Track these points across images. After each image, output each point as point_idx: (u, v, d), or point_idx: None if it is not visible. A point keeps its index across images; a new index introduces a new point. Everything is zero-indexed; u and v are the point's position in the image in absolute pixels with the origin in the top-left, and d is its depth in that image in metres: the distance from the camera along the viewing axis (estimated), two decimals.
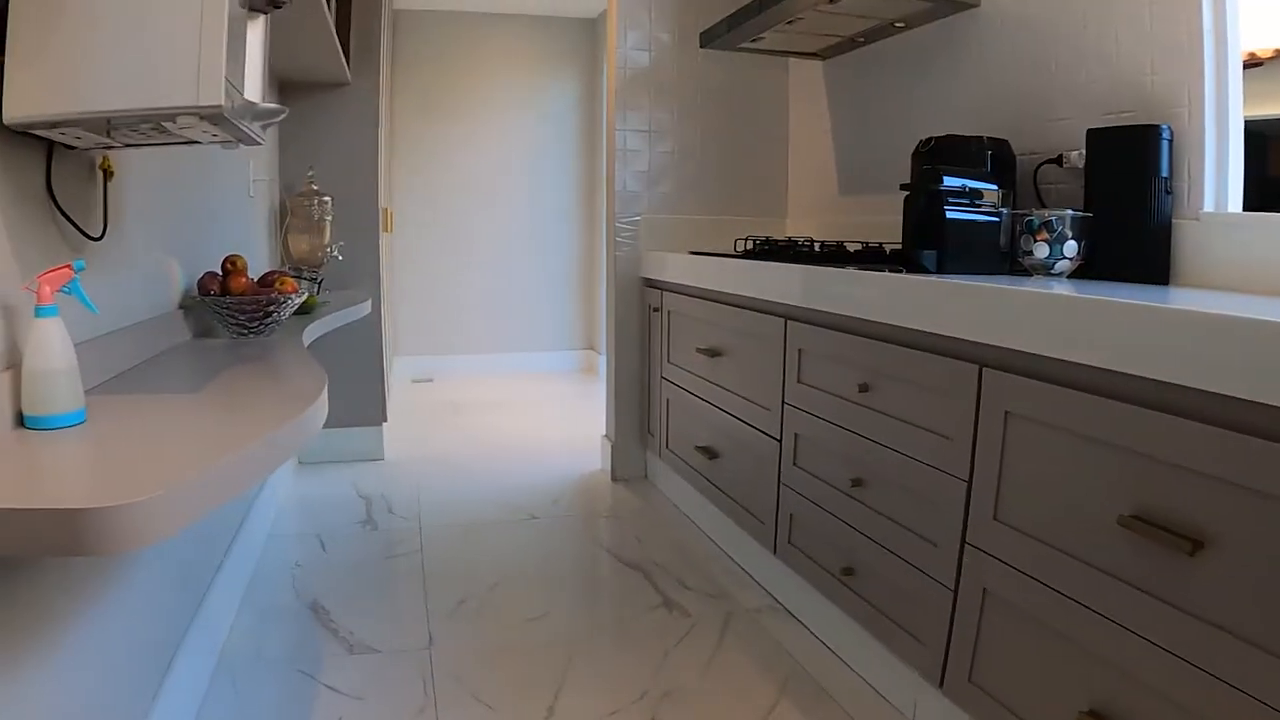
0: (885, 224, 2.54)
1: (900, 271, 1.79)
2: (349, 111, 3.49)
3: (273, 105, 1.32)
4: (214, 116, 1.10)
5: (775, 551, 2.25)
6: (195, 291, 2.01)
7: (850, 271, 1.87)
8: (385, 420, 3.71)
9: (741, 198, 3.37)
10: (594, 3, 5.08)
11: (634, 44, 3.21)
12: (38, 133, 1.16)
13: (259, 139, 1.35)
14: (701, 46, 2.85)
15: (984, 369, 1.45)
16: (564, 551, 2.68)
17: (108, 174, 1.45)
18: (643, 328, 3.31)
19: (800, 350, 2.11)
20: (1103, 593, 1.21)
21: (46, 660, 1.27)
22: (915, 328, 1.64)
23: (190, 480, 0.90)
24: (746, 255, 2.59)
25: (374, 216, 3.58)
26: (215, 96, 1.08)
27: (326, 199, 3.32)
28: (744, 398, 2.43)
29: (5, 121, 1.10)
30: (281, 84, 3.39)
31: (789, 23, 2.46)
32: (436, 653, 2.05)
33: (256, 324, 1.99)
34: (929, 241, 1.85)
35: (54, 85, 1.09)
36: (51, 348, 1.13)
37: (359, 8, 3.43)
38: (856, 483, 1.85)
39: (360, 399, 3.64)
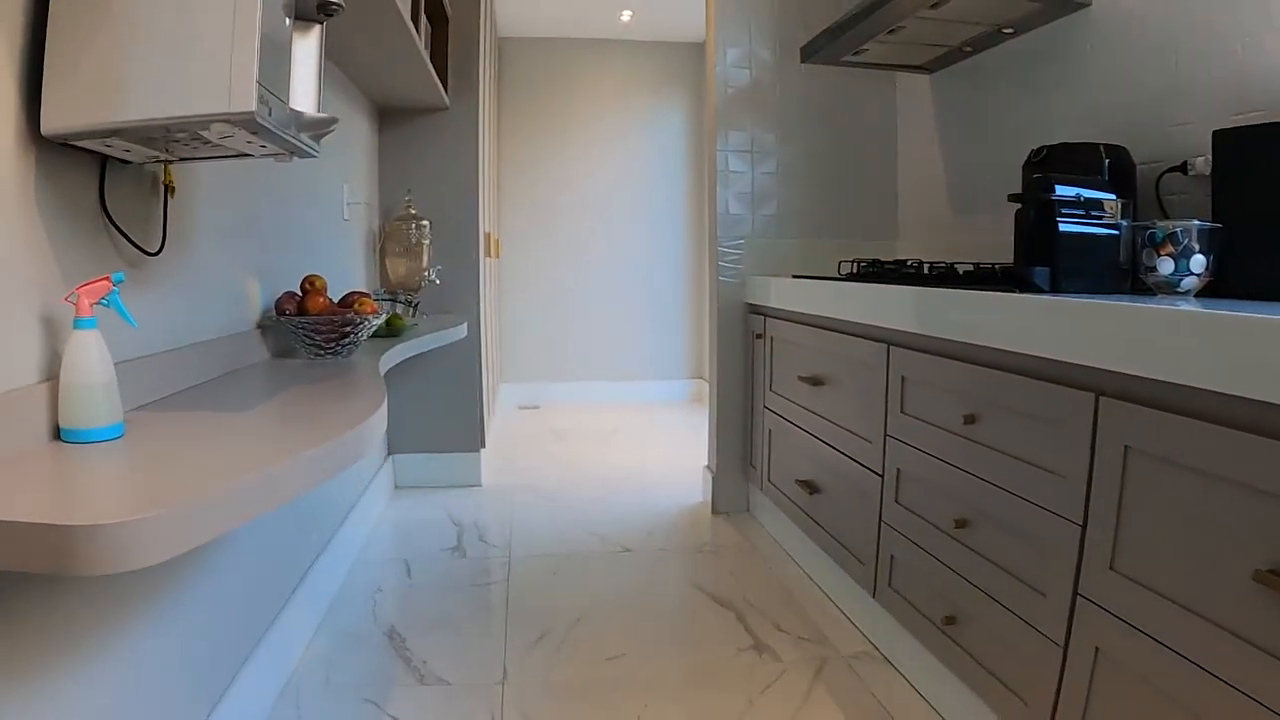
0: (1001, 244, 2.35)
1: (1009, 291, 1.62)
2: (448, 136, 3.51)
3: (322, 115, 1.28)
4: (247, 123, 1.05)
5: (874, 594, 2.07)
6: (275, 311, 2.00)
7: (952, 292, 1.71)
8: (483, 446, 3.68)
9: (850, 219, 3.21)
10: (700, 27, 5.03)
11: (734, 61, 3.11)
12: (83, 145, 1.14)
13: (311, 150, 1.31)
14: (803, 61, 2.72)
15: (1101, 398, 1.27)
16: (654, 587, 2.56)
17: (169, 190, 1.44)
18: (746, 355, 3.18)
19: (904, 378, 1.94)
20: (1233, 659, 1.02)
21: (89, 668, 1.25)
22: (1024, 352, 1.46)
23: (181, 506, 0.83)
24: (849, 278, 2.44)
25: (474, 241, 3.57)
26: (247, 103, 1.04)
27: (425, 223, 3.33)
28: (845, 429, 2.27)
29: (43, 133, 1.08)
30: (380, 109, 3.44)
31: (891, 32, 2.32)
32: (509, 688, 1.96)
33: (333, 345, 1.97)
34: (1041, 257, 1.67)
35: (89, 97, 1.07)
36: (89, 361, 1.11)
37: (456, 33, 3.46)
38: (960, 523, 1.67)
39: (459, 425, 3.62)
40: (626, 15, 5.06)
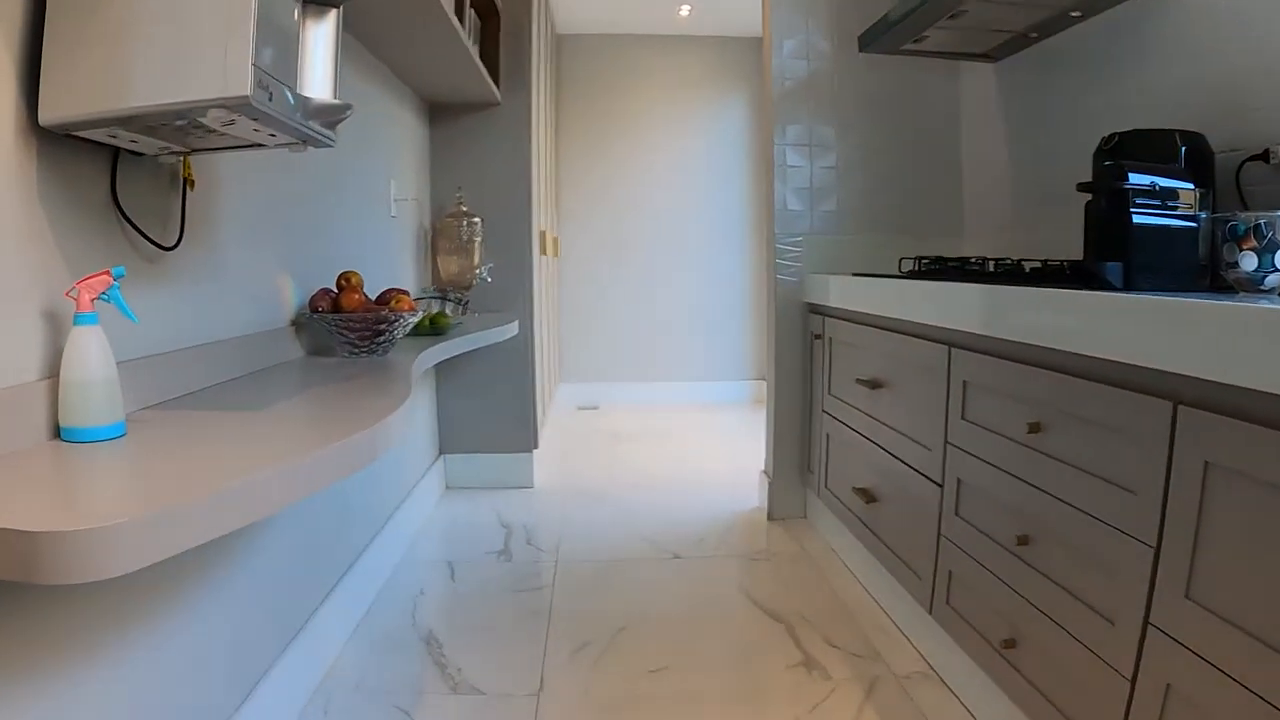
0: (1072, 240, 2.20)
1: (1078, 289, 1.49)
2: (500, 132, 3.46)
3: (334, 102, 1.22)
4: (243, 108, 1.00)
5: (931, 611, 1.95)
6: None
7: (1015, 290, 1.58)
8: (536, 447, 3.63)
9: (913, 215, 3.07)
10: (760, 20, 4.91)
11: (791, 53, 2.99)
12: (87, 135, 1.10)
13: (325, 139, 1.25)
14: (861, 50, 2.60)
15: (1179, 407, 1.15)
16: (702, 596, 2.47)
17: (188, 183, 1.40)
18: (805, 356, 3.06)
19: (965, 383, 1.82)
20: None
21: (113, 661, 1.23)
22: (1094, 355, 1.34)
23: (150, 514, 0.78)
24: (909, 276, 2.32)
25: (527, 238, 3.52)
26: (241, 87, 0.98)
27: (476, 220, 3.28)
28: (904, 435, 2.15)
29: (41, 124, 1.05)
30: (431, 104, 3.41)
31: (952, 17, 2.18)
32: (544, 700, 1.89)
33: (367, 343, 1.92)
34: (1113, 251, 1.54)
35: (87, 86, 1.04)
36: (88, 358, 1.07)
37: (507, 28, 3.41)
38: (1023, 540, 1.55)
39: (511, 426, 3.58)
40: (685, 10, 4.96)
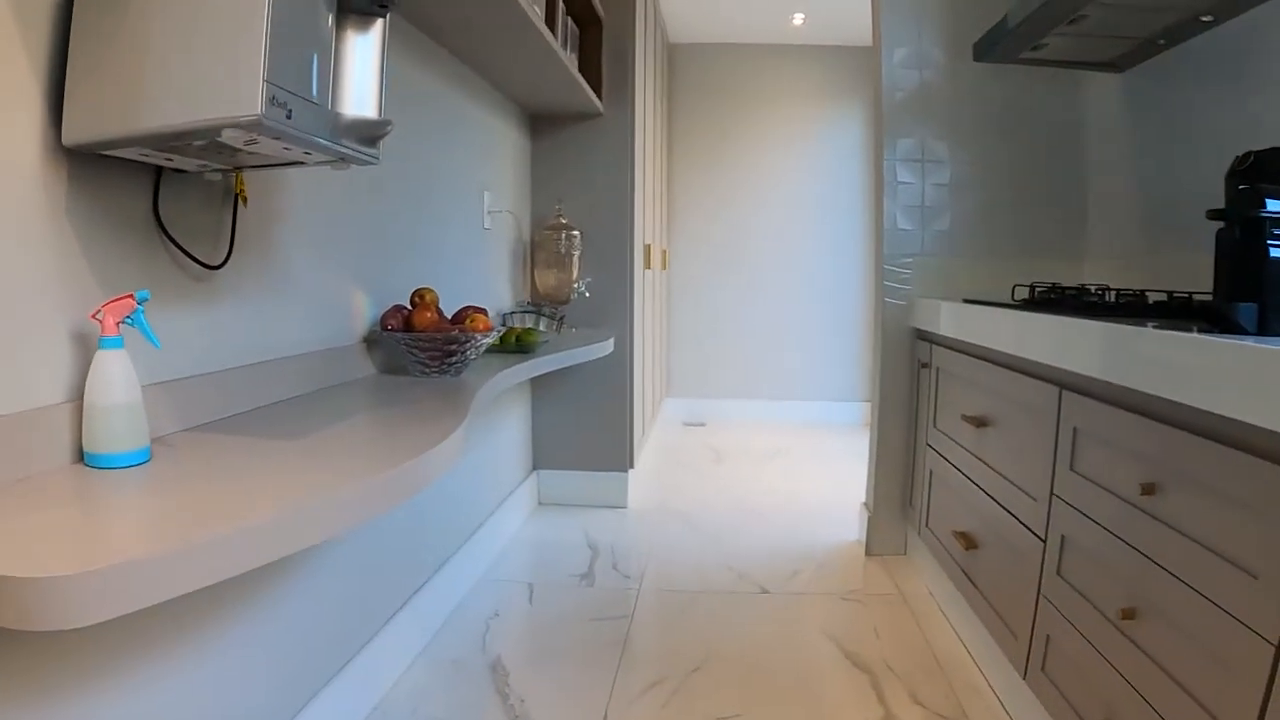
0: (1204, 268, 1.97)
1: (1204, 330, 1.30)
2: (602, 143, 3.41)
3: (371, 118, 1.17)
4: (255, 127, 0.94)
5: (1025, 675, 1.76)
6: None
7: (1127, 329, 1.40)
8: (631, 467, 3.55)
9: (1032, 237, 2.84)
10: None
11: (902, 62, 2.82)
12: (120, 154, 1.07)
13: (365, 157, 1.20)
14: (976, 60, 2.41)
15: None
16: (785, 637, 2.33)
17: (241, 200, 1.37)
18: (911, 385, 2.88)
19: (1075, 430, 1.63)
20: None
21: (156, 672, 1.23)
22: (1218, 412, 1.16)
23: (121, 564, 0.74)
24: (1022, 305, 2.13)
25: (627, 252, 3.45)
26: (252, 106, 0.93)
27: (575, 233, 3.23)
28: (1009, 481, 1.96)
29: (65, 144, 1.03)
30: (532, 115, 3.38)
31: (1071, 23, 1.99)
32: None
33: (437, 363, 1.88)
34: (1246, 289, 1.34)
35: (106, 106, 1.01)
36: (111, 382, 1.05)
37: (610, 36, 3.35)
38: (1128, 613, 1.37)
39: (606, 444, 3.51)
40: (799, 18, 4.81)
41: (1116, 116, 2.61)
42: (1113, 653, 1.41)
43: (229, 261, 1.38)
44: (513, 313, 3.02)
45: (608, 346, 2.97)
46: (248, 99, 0.94)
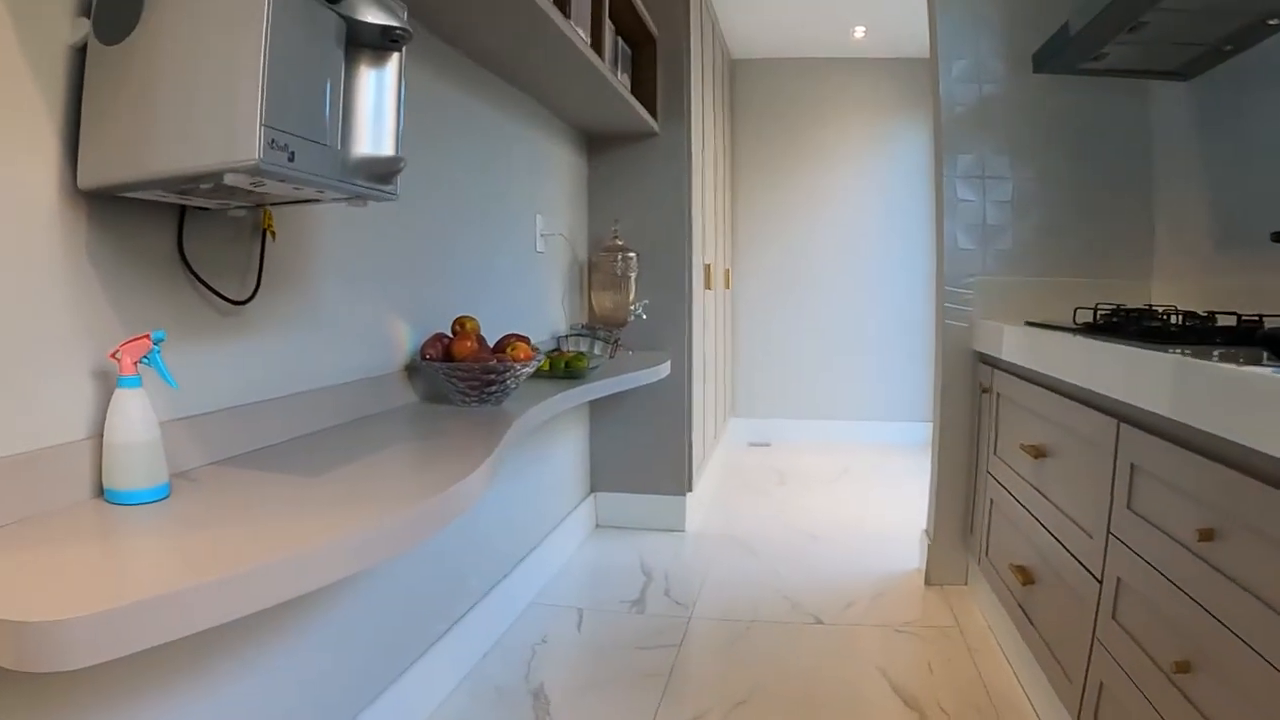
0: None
1: (1270, 362, 1.21)
2: (658, 163, 3.39)
3: (381, 155, 1.16)
4: (253, 171, 0.94)
5: None
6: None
7: (1180, 359, 1.31)
8: (689, 490, 3.50)
9: (1098, 256, 2.71)
10: None
11: (960, 75, 2.73)
12: (138, 196, 1.09)
13: (380, 194, 1.20)
14: (1035, 71, 2.32)
15: None
16: (836, 671, 2.26)
17: (269, 234, 1.39)
18: (972, 410, 2.78)
19: (1133, 466, 1.54)
20: None
21: (190, 692, 1.25)
22: (1272, 454, 1.07)
23: (106, 611, 0.74)
24: (1083, 329, 2.03)
25: (685, 273, 3.41)
26: (249, 152, 0.93)
27: (631, 255, 3.22)
28: (1066, 515, 1.87)
29: (80, 187, 1.05)
30: (589, 135, 3.37)
31: (1131, 30, 1.89)
32: None
33: (477, 392, 1.87)
34: None
35: (114, 153, 1.04)
36: (131, 421, 1.06)
37: (665, 56, 3.33)
38: (1182, 666, 1.28)
39: (664, 467, 3.47)
40: (860, 31, 4.73)
41: (1184, 127, 2.48)
42: (1165, 707, 1.32)
43: (256, 296, 1.39)
44: (567, 336, 3.01)
45: (661, 371, 2.94)
46: (245, 144, 0.94)
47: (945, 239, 2.80)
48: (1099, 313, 2.11)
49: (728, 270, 5.09)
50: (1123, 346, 1.59)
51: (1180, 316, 1.85)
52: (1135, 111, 2.70)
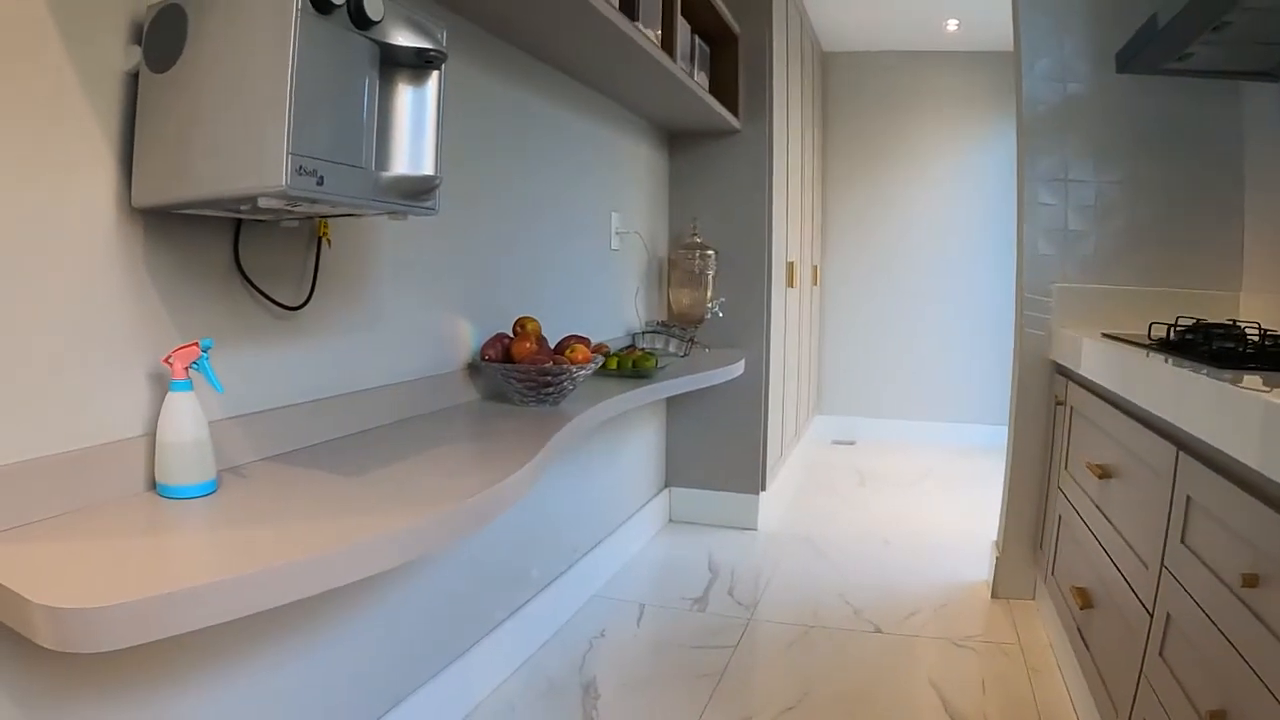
0: None
1: None
2: (739, 161, 3.38)
3: (416, 174, 1.21)
4: (281, 196, 1.00)
5: None
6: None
7: (1221, 385, 1.26)
8: (763, 489, 3.50)
9: (1185, 265, 2.58)
10: None
11: (1044, 74, 2.63)
12: (188, 211, 1.16)
13: (422, 210, 1.25)
14: (1119, 71, 2.21)
15: None
16: (889, 682, 2.24)
17: (325, 241, 1.46)
18: (1047, 421, 2.70)
19: (1189, 499, 1.48)
20: None
21: (242, 667, 1.36)
22: None
23: (140, 601, 0.82)
24: (1156, 345, 1.95)
25: (764, 271, 3.40)
26: (276, 178, 0.99)
27: (710, 253, 3.22)
28: (1126, 541, 1.81)
29: (135, 206, 1.12)
30: (670, 132, 3.39)
31: (1216, 30, 1.79)
32: None
33: (534, 393, 1.92)
34: None
35: (162, 175, 1.11)
36: (180, 422, 1.15)
37: (746, 51, 3.31)
38: (1216, 716, 1.23)
39: (739, 465, 3.48)
40: (953, 25, 4.58)
41: (1276, 129, 2.34)
42: None
43: (310, 301, 1.46)
44: (643, 333, 3.04)
45: (732, 371, 2.95)
46: (273, 170, 0.99)
47: (1025, 244, 2.72)
48: (1175, 328, 2.02)
49: (815, 267, 5.03)
50: (1182, 368, 1.53)
51: (1265, 335, 1.76)
52: (1227, 113, 2.55)
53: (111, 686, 1.13)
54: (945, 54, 5.09)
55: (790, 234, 3.96)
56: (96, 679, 1.11)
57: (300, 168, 1.01)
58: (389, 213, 1.23)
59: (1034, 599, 2.76)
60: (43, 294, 1.03)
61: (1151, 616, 1.58)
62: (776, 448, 3.77)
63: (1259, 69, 2.14)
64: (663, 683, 2.23)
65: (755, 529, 3.49)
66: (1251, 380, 1.36)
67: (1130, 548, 1.76)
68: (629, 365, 2.51)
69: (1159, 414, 1.61)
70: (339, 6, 1.03)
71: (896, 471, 4.61)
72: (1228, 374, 1.44)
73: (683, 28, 2.62)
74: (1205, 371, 1.46)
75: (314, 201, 1.07)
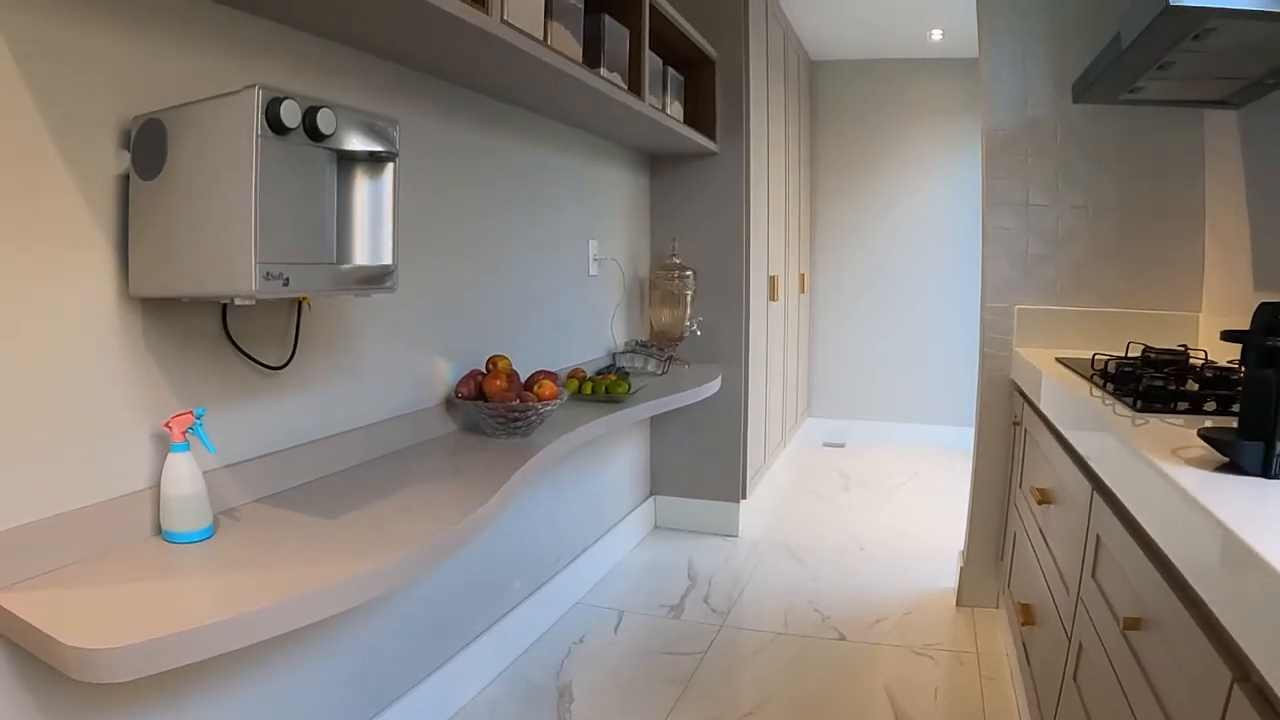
0: None
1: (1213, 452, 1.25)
2: (717, 182, 3.50)
3: (375, 265, 1.34)
4: (252, 298, 1.14)
5: None
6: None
7: (1127, 433, 1.37)
8: (743, 498, 3.63)
9: (1146, 286, 2.67)
10: None
11: (1006, 98, 2.73)
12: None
13: (382, 290, 1.38)
14: (1075, 101, 2.28)
15: (1237, 685, 0.93)
16: (846, 690, 2.37)
17: (304, 306, 1.59)
18: (1007, 438, 2.82)
19: (1098, 537, 1.60)
20: None
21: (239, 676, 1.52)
22: (1189, 561, 1.11)
23: (147, 641, 0.99)
24: (1098, 375, 2.04)
25: (741, 289, 3.52)
26: (246, 284, 1.13)
27: (688, 273, 3.35)
28: (1057, 566, 1.94)
29: (131, 294, 1.26)
30: (651, 155, 3.50)
31: (1160, 68, 1.87)
32: None
33: (505, 427, 2.06)
34: (1260, 426, 1.26)
35: (153, 271, 1.26)
36: (180, 477, 1.32)
37: (724, 74, 3.42)
38: None
39: (719, 474, 3.62)
40: (937, 34, 4.66)
41: (1235, 154, 2.42)
42: None
43: (293, 360, 1.61)
44: (622, 352, 3.17)
45: (706, 390, 3.07)
46: (244, 277, 1.13)
47: (989, 265, 2.82)
48: (1122, 358, 2.09)
49: (803, 275, 5.13)
50: (1104, 405, 1.63)
51: (1203, 366, 1.85)
52: (1189, 137, 2.61)
53: (124, 699, 1.30)
54: (932, 61, 5.16)
55: (773, 248, 4.08)
56: (113, 696, 1.27)
57: (267, 274, 1.15)
58: (353, 294, 1.37)
59: (998, 608, 2.89)
60: (59, 371, 1.19)
61: (1070, 641, 1.71)
62: (759, 456, 3.90)
63: (1214, 98, 2.22)
64: (632, 688, 2.37)
65: (737, 535, 3.63)
66: (1155, 429, 1.46)
67: (1060, 573, 1.89)
68: (602, 390, 2.64)
69: (1079, 450, 1.72)
70: (294, 129, 1.16)
71: (882, 475, 4.74)
72: (1144, 417, 1.54)
73: (652, 61, 2.72)
74: (1125, 411, 1.57)
75: (280, 298, 1.20)
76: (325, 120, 1.21)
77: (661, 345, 3.33)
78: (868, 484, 4.54)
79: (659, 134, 2.95)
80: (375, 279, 1.36)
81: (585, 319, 2.99)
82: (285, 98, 1.14)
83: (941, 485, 4.52)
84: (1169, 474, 1.19)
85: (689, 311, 3.37)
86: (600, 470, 3.13)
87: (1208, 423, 1.43)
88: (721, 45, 3.40)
